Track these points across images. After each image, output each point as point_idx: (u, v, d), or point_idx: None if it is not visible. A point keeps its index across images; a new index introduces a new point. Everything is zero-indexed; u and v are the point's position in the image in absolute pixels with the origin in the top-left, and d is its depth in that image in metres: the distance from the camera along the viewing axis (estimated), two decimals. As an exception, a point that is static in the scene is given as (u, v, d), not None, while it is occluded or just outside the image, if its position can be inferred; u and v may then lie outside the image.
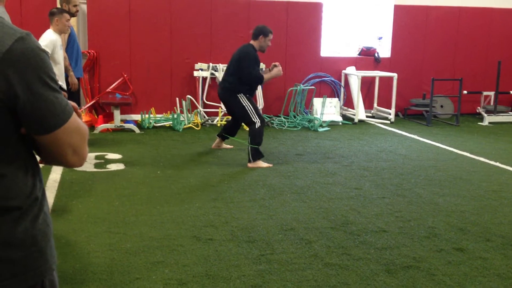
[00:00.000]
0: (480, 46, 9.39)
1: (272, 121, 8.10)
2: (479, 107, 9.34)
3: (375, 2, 9.18)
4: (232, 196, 4.56)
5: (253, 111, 5.62)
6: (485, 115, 8.79)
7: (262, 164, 5.59)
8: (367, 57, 9.05)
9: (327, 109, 8.26)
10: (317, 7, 8.58)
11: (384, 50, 9.15)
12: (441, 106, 9.14)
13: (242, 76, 5.62)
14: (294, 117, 8.26)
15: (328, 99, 8.37)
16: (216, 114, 8.09)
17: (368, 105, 8.97)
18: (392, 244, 3.59)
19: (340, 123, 8.25)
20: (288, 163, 5.78)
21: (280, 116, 8.35)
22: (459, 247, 3.56)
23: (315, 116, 8.19)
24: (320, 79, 8.70)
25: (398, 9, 8.96)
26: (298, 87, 8.34)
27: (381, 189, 4.87)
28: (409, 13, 9.01)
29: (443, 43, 9.24)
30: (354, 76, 8.60)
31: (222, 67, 8.10)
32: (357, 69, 8.84)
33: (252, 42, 5.77)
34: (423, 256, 3.42)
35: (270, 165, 5.62)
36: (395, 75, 8.61)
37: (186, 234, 3.67)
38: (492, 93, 9.22)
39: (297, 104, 8.40)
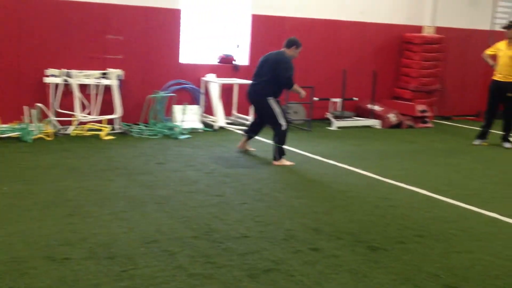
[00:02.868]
0: (329, 55, 10.12)
1: (130, 129, 7.88)
2: (327, 113, 10.06)
3: (233, 10, 9.42)
4: (90, 210, 4.34)
5: (280, 114, 6.26)
6: (333, 120, 9.50)
7: (286, 162, 6.21)
8: (227, 65, 9.24)
9: (187, 117, 8.27)
10: (175, 14, 8.55)
11: (243, 58, 9.42)
12: (295, 112, 9.66)
13: (277, 77, 6.22)
14: (154, 124, 8.12)
15: (189, 106, 8.39)
16: (70, 123, 7.63)
17: (228, 112, 9.16)
18: (254, 249, 3.71)
19: (201, 130, 8.31)
20: (149, 172, 5.66)
21: (139, 124, 8.16)
22: (314, 247, 3.80)
23: (175, 123, 8.14)
24: (180, 86, 8.68)
25: (256, 18, 9.30)
26: (158, 94, 8.23)
27: (241, 195, 5.00)
28: (266, 23, 9.39)
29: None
30: (214, 84, 8.73)
31: (76, 73, 7.67)
32: (217, 76, 8.98)
33: (284, 49, 6.42)
34: (282, 258, 3.58)
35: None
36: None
37: (39, 255, 3.41)
38: (339, 100, 10.00)
39: (157, 111, 8.28)
